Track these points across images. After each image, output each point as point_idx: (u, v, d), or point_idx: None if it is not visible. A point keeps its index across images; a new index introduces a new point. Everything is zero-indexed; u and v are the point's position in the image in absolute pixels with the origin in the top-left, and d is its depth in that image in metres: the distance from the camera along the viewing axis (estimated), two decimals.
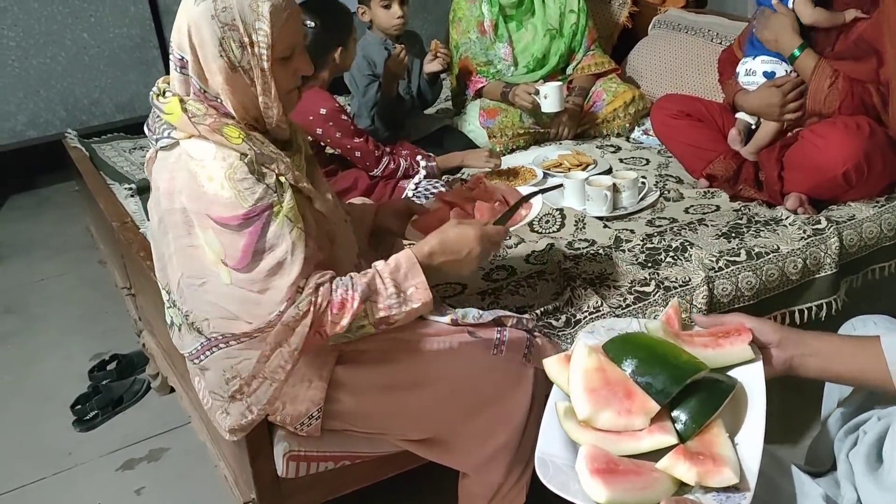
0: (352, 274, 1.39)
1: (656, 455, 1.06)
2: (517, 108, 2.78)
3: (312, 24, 2.32)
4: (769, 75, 2.29)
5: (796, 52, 2.20)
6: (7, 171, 3.95)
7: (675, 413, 1.09)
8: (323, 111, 2.33)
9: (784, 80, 2.26)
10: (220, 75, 1.32)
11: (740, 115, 2.39)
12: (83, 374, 2.51)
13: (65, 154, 2.98)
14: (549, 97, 2.66)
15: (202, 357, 1.41)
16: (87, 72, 3.76)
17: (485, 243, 1.47)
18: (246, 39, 1.31)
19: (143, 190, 2.55)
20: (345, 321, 1.35)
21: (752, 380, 1.13)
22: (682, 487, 1.04)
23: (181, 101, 1.34)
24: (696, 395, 1.09)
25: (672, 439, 1.06)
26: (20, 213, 3.83)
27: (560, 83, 2.73)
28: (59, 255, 3.36)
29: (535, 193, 1.67)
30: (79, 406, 2.36)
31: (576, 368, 1.12)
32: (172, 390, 2.28)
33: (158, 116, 1.37)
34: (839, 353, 1.18)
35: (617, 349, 1.14)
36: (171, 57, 1.37)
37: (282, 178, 1.35)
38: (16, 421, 2.39)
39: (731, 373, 1.16)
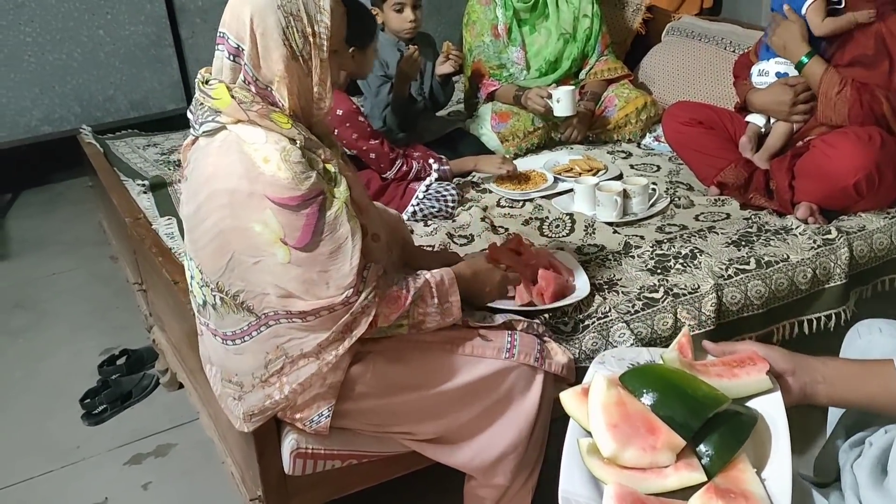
0: (405, 274, 1.47)
1: (684, 493, 1.04)
2: (529, 111, 2.78)
3: None
4: (781, 76, 2.30)
5: (804, 60, 2.20)
6: (21, 167, 3.98)
7: (699, 448, 1.07)
8: (340, 112, 2.34)
9: (796, 79, 2.27)
10: (280, 63, 1.36)
11: (751, 118, 2.40)
12: (93, 369, 2.53)
13: (79, 150, 3.00)
14: (562, 101, 2.66)
15: (247, 337, 1.42)
16: (102, 68, 3.78)
17: (501, 289, 1.67)
18: (309, 30, 1.36)
19: (156, 187, 2.57)
20: (393, 316, 1.44)
21: (772, 411, 1.11)
22: None
23: (228, 88, 1.36)
24: (718, 429, 1.07)
25: (700, 476, 1.04)
26: (33, 208, 3.86)
27: (573, 87, 2.73)
28: (70, 250, 3.38)
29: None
30: (88, 400, 2.38)
31: (595, 403, 1.10)
32: (181, 386, 2.30)
33: (201, 103, 1.40)
34: (847, 378, 1.16)
35: (635, 381, 1.12)
36: (220, 46, 1.39)
37: (329, 167, 1.39)
38: (26, 414, 2.41)
39: (749, 403, 1.14)
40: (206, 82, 1.40)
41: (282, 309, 1.38)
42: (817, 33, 2.23)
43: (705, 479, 1.04)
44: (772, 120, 2.38)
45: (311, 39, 1.37)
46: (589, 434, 1.10)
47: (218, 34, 1.40)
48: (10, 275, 3.23)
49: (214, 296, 1.43)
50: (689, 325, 1.82)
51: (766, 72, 2.35)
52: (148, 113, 3.95)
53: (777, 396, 1.12)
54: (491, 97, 2.93)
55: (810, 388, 1.16)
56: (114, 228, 2.76)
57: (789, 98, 2.26)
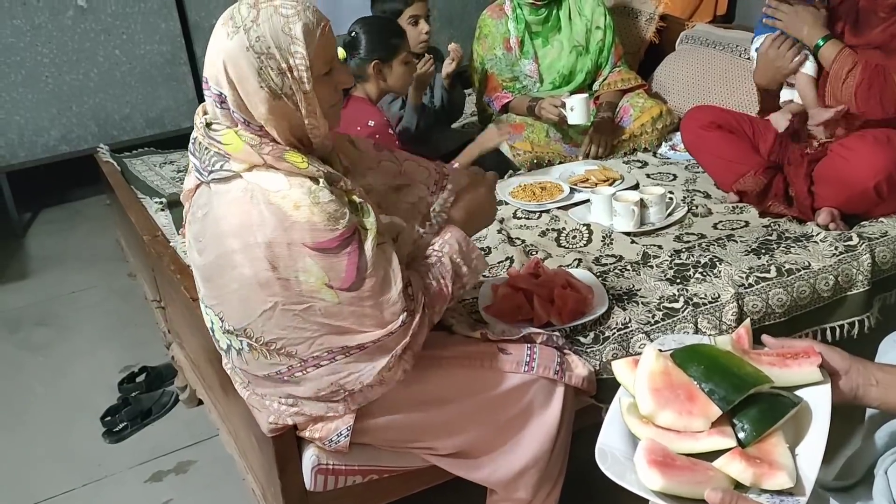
0: (430, 261, 1.46)
1: (712, 457, 1.09)
2: (544, 121, 2.78)
3: (354, 33, 2.36)
4: None
5: (820, 43, 2.21)
6: (40, 185, 4.02)
7: (735, 420, 1.12)
8: (371, 123, 2.36)
9: (768, 40, 2.32)
10: (263, 106, 1.29)
11: (772, 118, 2.40)
12: (113, 386, 2.54)
13: (96, 168, 3.02)
14: (576, 109, 2.66)
15: (296, 374, 1.39)
16: (118, 88, 3.81)
17: (491, 199, 1.65)
18: (284, 65, 1.28)
19: (174, 204, 2.58)
20: (442, 308, 1.45)
21: (818, 401, 1.15)
22: (737, 488, 1.06)
23: (234, 130, 1.32)
24: (758, 406, 1.12)
25: (731, 442, 1.10)
26: (53, 226, 3.89)
27: (586, 95, 2.73)
28: (89, 267, 3.41)
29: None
30: (108, 417, 2.39)
31: (642, 369, 1.17)
32: (200, 402, 2.30)
33: (207, 148, 1.34)
34: None
35: (684, 356, 1.19)
36: (206, 92, 1.34)
37: (354, 198, 1.35)
38: (48, 431, 2.42)
39: (798, 392, 1.17)
40: (210, 125, 1.34)
41: (338, 346, 1.35)
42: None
43: (735, 445, 1.09)
44: (794, 97, 2.38)
45: (289, 74, 1.29)
46: (633, 398, 1.17)
47: (203, 79, 1.35)
48: (31, 292, 3.26)
49: (241, 342, 1.39)
50: (709, 334, 1.81)
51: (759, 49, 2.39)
52: (164, 130, 3.98)
53: (826, 388, 1.16)
54: (505, 109, 2.93)
55: (863, 390, 1.18)
56: (132, 246, 2.78)
57: (774, 55, 2.30)
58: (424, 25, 2.66)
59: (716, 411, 1.10)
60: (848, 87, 2.14)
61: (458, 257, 1.47)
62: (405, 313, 1.35)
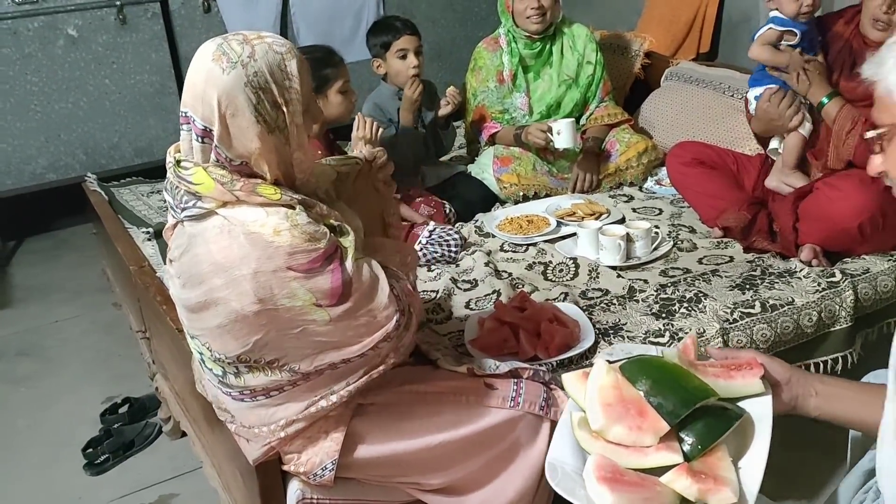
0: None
1: (661, 472, 1.12)
2: (531, 145, 2.80)
3: None
4: None
5: (824, 101, 2.23)
6: (25, 214, 4.00)
7: (682, 434, 1.15)
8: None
9: (768, 93, 2.32)
10: (256, 141, 1.30)
11: (769, 150, 2.43)
12: (96, 417, 2.52)
13: (83, 197, 3.02)
14: (563, 133, 2.69)
15: (297, 384, 1.41)
16: (107, 117, 3.82)
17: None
18: (280, 100, 1.31)
19: (160, 234, 2.58)
20: (419, 306, 1.49)
21: (760, 412, 1.19)
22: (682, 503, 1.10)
23: (203, 168, 1.31)
24: (703, 420, 1.15)
25: (678, 458, 1.12)
26: (37, 255, 3.86)
27: (572, 119, 2.77)
28: (74, 297, 3.38)
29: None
30: (90, 449, 2.36)
31: (593, 383, 1.19)
32: (184, 434, 2.28)
33: (178, 187, 1.34)
34: (839, 396, 1.23)
35: (633, 369, 1.21)
36: (184, 127, 1.34)
37: (331, 221, 1.37)
38: (29, 465, 2.38)
39: (741, 404, 1.21)
40: (179, 163, 1.34)
41: (339, 359, 1.37)
42: (749, 54, 2.34)
43: (682, 460, 1.12)
44: (780, 146, 2.41)
45: (283, 109, 1.31)
46: (584, 413, 1.19)
47: (181, 113, 1.35)
48: (14, 322, 3.23)
49: (236, 367, 1.39)
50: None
51: (759, 97, 2.39)
52: (152, 160, 3.98)
53: (767, 400, 1.20)
54: (492, 140, 2.96)
55: (802, 400, 1.24)
56: (117, 276, 2.77)
57: (775, 113, 2.30)
58: (413, 59, 2.69)
59: (664, 426, 1.13)
60: (848, 146, 2.18)
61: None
62: (398, 314, 1.38)
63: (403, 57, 2.69)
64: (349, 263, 1.34)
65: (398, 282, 1.44)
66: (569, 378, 1.25)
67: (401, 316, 1.39)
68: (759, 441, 1.16)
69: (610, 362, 1.24)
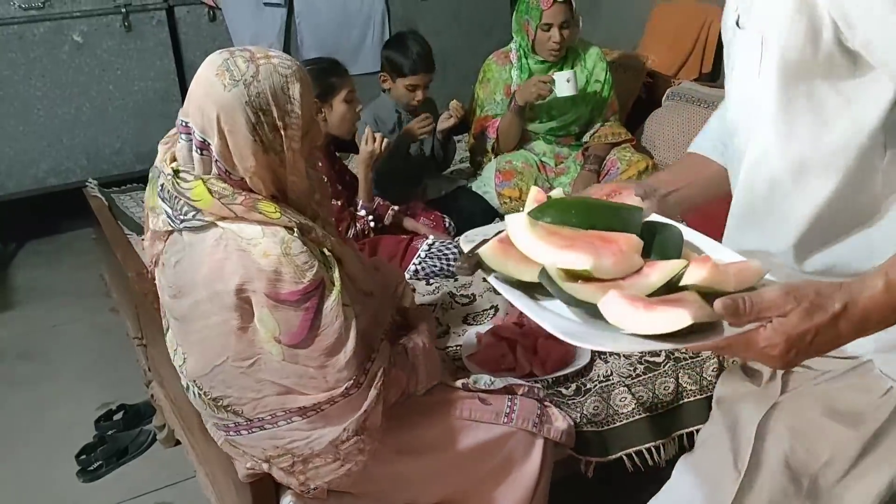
0: (397, 349, 1.48)
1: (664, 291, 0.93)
2: (530, 98, 2.78)
3: None
4: None
5: None
6: (27, 217, 4.01)
7: (653, 256, 0.99)
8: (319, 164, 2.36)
9: None
10: (251, 159, 1.31)
11: None
12: (91, 424, 2.51)
13: (84, 201, 3.03)
14: (570, 81, 2.73)
15: (240, 433, 1.40)
16: (110, 122, 3.83)
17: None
18: (280, 123, 1.31)
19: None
20: (396, 395, 1.47)
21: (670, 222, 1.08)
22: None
23: (204, 182, 1.31)
24: (655, 236, 1.02)
25: (679, 263, 0.94)
26: (38, 258, 3.87)
27: (573, 70, 2.80)
28: (74, 301, 3.38)
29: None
30: (84, 456, 2.35)
31: (531, 239, 0.95)
32: (178, 442, 2.28)
33: (177, 198, 1.33)
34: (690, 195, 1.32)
35: (551, 214, 1.00)
36: (183, 136, 1.34)
37: (325, 250, 1.36)
38: (24, 470, 2.38)
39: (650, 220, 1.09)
40: (178, 174, 1.34)
41: (280, 409, 1.35)
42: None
43: (685, 262, 0.93)
44: None
45: (282, 132, 1.31)
46: (524, 289, 0.96)
47: (180, 122, 1.34)
48: (14, 324, 3.23)
49: (197, 392, 1.42)
50: (690, 389, 1.82)
51: None
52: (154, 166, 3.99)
53: (650, 208, 1.15)
54: (498, 137, 2.96)
55: (655, 183, 1.27)
56: (116, 281, 2.77)
57: None
58: (420, 94, 2.71)
59: (638, 240, 0.97)
60: None
61: (420, 357, 1.51)
62: (350, 381, 1.34)
63: (412, 90, 2.71)
64: (328, 304, 1.32)
65: (387, 360, 1.44)
66: (487, 252, 0.97)
67: (353, 387, 1.35)
68: (703, 243, 1.04)
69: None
